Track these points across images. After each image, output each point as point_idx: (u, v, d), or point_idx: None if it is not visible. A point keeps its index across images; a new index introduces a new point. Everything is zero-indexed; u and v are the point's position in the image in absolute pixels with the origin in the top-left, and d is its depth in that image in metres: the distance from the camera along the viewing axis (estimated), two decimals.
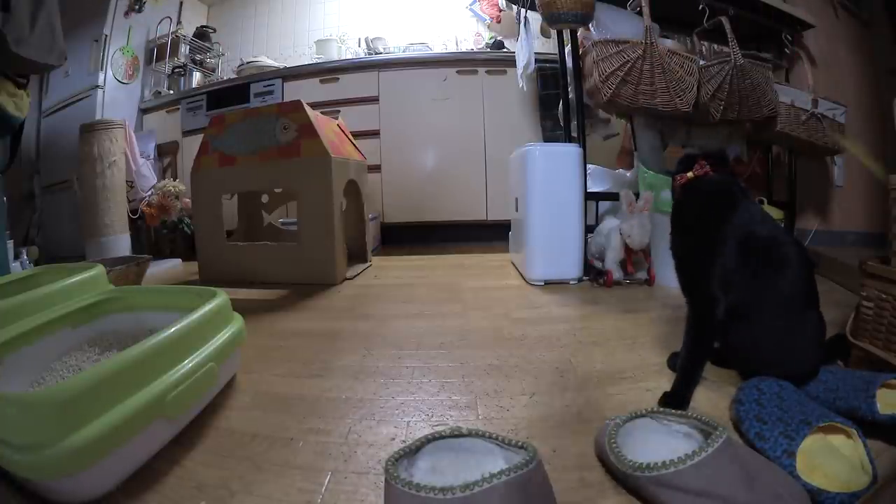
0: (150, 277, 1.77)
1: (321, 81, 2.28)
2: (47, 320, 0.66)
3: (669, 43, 1.55)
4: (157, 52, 2.68)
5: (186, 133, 2.45)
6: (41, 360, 0.66)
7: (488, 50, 2.55)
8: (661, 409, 0.52)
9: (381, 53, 2.58)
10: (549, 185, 1.32)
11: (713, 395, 0.65)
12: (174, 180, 2.22)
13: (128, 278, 1.36)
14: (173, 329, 0.56)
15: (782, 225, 1.48)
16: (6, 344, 0.59)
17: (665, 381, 0.70)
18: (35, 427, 0.42)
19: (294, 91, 2.27)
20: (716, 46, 1.80)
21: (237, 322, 0.71)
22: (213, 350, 0.61)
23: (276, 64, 2.60)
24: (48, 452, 0.40)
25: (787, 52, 1.67)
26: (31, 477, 0.42)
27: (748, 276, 0.61)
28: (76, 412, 0.43)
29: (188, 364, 0.56)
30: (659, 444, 0.50)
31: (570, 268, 1.35)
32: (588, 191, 1.41)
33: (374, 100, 2.24)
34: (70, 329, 0.71)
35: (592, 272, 1.39)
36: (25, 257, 1.92)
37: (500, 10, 2.73)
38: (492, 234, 2.22)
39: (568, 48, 1.48)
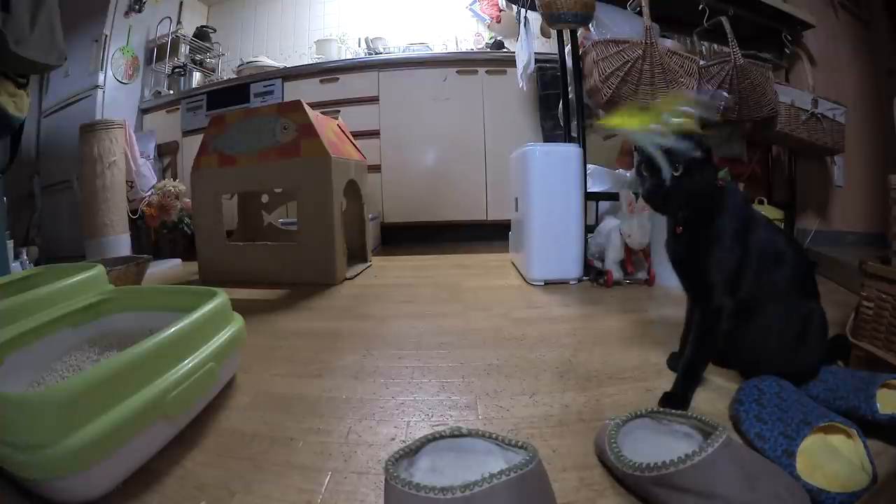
0: (150, 277, 1.77)
1: (321, 81, 2.28)
2: (48, 320, 0.66)
3: (669, 43, 1.55)
4: (157, 52, 2.68)
5: (186, 133, 2.45)
6: (42, 359, 0.66)
7: (488, 50, 2.55)
8: (662, 409, 0.52)
9: (381, 53, 2.58)
10: (549, 185, 1.32)
11: (713, 396, 0.65)
12: (174, 180, 2.22)
13: (127, 279, 1.36)
14: (174, 329, 0.56)
15: (782, 225, 1.48)
16: (7, 344, 0.59)
17: (665, 381, 0.70)
18: (37, 426, 0.42)
19: (294, 91, 2.27)
20: (716, 46, 1.80)
21: (237, 322, 0.71)
22: (213, 350, 0.61)
23: (276, 64, 2.60)
24: (50, 451, 0.40)
25: (787, 52, 1.67)
26: (33, 476, 0.42)
27: (754, 273, 0.61)
28: (78, 411, 0.43)
29: (189, 364, 0.56)
30: (659, 444, 0.50)
31: (570, 268, 1.35)
32: (588, 191, 1.41)
33: (374, 100, 2.24)
34: (71, 329, 0.71)
35: (592, 272, 1.39)
36: (25, 257, 1.92)
37: (500, 10, 2.73)
38: (492, 234, 2.22)
39: (568, 48, 1.48)
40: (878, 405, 0.51)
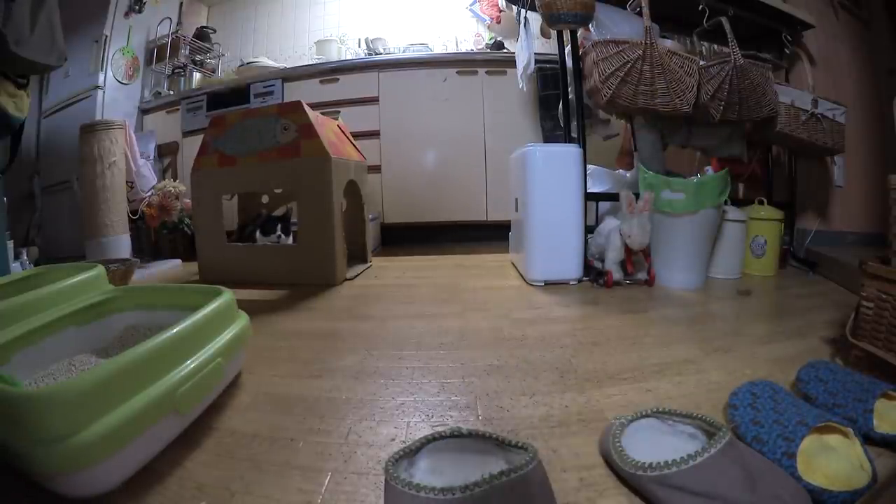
0: (150, 278, 1.77)
1: (321, 82, 2.28)
2: (54, 318, 0.67)
3: (669, 43, 1.55)
4: (157, 52, 2.68)
5: (186, 133, 2.45)
6: (48, 357, 0.66)
7: (488, 50, 2.55)
8: (666, 409, 0.52)
9: (381, 54, 2.58)
10: (549, 186, 1.32)
11: (714, 396, 0.65)
12: (174, 181, 2.22)
13: (113, 281, 1.35)
14: (185, 325, 0.57)
15: (782, 225, 1.48)
16: (14, 342, 0.60)
17: (665, 382, 0.70)
18: (54, 420, 0.42)
19: (294, 91, 2.27)
20: (716, 46, 1.80)
21: (242, 319, 0.72)
22: (220, 346, 0.62)
23: (276, 64, 2.60)
24: (67, 444, 0.41)
25: (787, 52, 1.67)
26: (49, 470, 0.42)
27: None
28: (94, 404, 0.44)
29: (198, 359, 0.57)
30: (663, 445, 0.50)
31: (570, 268, 1.35)
32: (588, 191, 1.41)
33: (374, 100, 2.24)
34: (75, 328, 0.71)
35: (592, 273, 1.39)
36: (25, 257, 1.92)
37: (500, 11, 2.73)
38: (492, 235, 2.22)
39: (568, 48, 1.48)
40: (875, 421, 0.51)
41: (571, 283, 1.36)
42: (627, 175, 1.70)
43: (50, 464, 0.42)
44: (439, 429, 0.46)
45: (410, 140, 2.24)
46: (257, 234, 1.61)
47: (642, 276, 1.33)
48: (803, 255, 1.62)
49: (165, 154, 2.52)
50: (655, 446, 0.50)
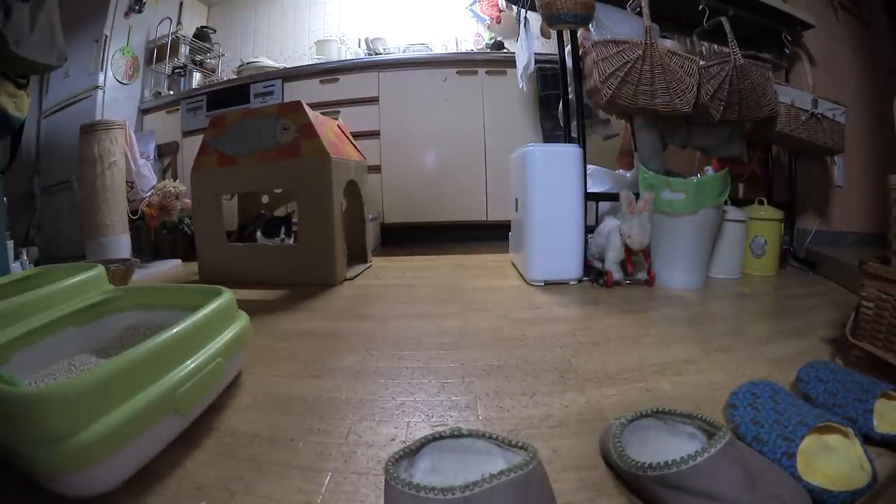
0: (150, 278, 1.77)
1: (321, 82, 2.28)
2: (54, 318, 0.67)
3: (669, 43, 1.55)
4: (157, 52, 2.68)
5: (186, 133, 2.45)
6: (48, 357, 0.66)
7: (488, 50, 2.55)
8: (666, 409, 0.52)
9: (381, 54, 2.58)
10: (549, 186, 1.32)
11: (714, 396, 0.65)
12: (174, 181, 2.22)
13: (113, 281, 1.36)
14: (184, 325, 0.57)
15: (782, 225, 1.48)
16: (13, 342, 0.60)
17: (665, 382, 0.70)
18: (54, 420, 0.42)
19: (294, 91, 2.27)
20: (716, 46, 1.80)
21: (242, 319, 0.72)
22: (220, 346, 0.62)
23: (276, 64, 2.60)
24: (67, 444, 0.41)
25: (787, 52, 1.68)
26: (50, 470, 0.42)
27: None
28: (94, 405, 0.44)
29: (198, 360, 0.57)
30: (663, 445, 0.50)
31: (570, 268, 1.35)
32: (588, 191, 1.41)
33: (374, 100, 2.24)
34: (75, 328, 0.71)
35: (592, 273, 1.39)
36: (25, 257, 1.92)
37: (500, 11, 2.74)
38: (492, 235, 2.22)
39: (568, 48, 1.48)
40: (875, 421, 0.51)
41: (571, 283, 1.36)
42: (627, 175, 1.70)
43: (50, 464, 0.42)
44: (439, 429, 0.46)
45: (410, 140, 2.24)
46: (258, 234, 1.61)
47: (642, 276, 1.33)
48: (803, 255, 1.62)
49: (165, 154, 2.52)
50: (655, 446, 0.50)
